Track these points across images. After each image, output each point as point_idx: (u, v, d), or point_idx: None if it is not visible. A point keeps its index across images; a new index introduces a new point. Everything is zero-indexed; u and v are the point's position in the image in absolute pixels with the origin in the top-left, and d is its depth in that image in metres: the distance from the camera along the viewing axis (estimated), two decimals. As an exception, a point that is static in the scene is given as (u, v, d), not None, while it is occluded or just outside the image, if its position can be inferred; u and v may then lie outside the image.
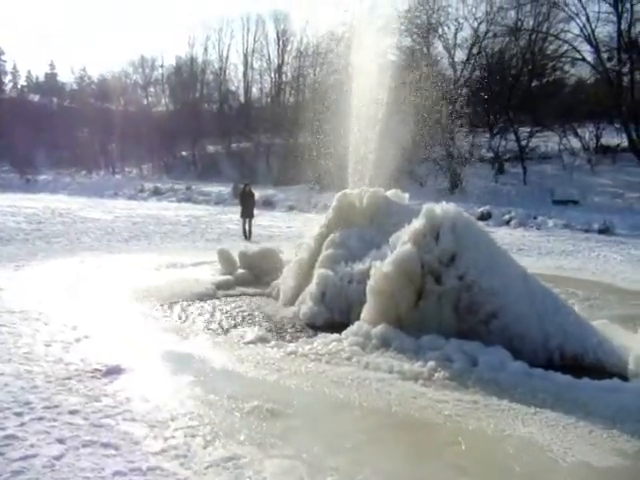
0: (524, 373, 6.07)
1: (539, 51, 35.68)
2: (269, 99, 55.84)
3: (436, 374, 6.06)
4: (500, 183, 37.19)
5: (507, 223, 26.37)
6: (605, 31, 31.62)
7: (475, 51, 35.93)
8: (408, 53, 42.04)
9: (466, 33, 37.86)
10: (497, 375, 5.99)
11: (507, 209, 29.07)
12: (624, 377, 6.31)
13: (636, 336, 7.61)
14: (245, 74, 56.50)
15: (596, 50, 30.95)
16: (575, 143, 36.53)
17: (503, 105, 36.18)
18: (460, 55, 37.24)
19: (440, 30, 37.36)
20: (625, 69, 30.98)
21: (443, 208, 7.81)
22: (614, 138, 35.95)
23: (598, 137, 36.19)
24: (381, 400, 5.48)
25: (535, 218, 26.84)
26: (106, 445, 4.26)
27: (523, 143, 36.13)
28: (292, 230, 21.95)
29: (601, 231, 24.18)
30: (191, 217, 25.23)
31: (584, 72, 34.97)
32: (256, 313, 9.00)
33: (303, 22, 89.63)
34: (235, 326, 8.13)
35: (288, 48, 53.76)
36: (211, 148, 54.33)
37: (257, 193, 31.10)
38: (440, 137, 38.41)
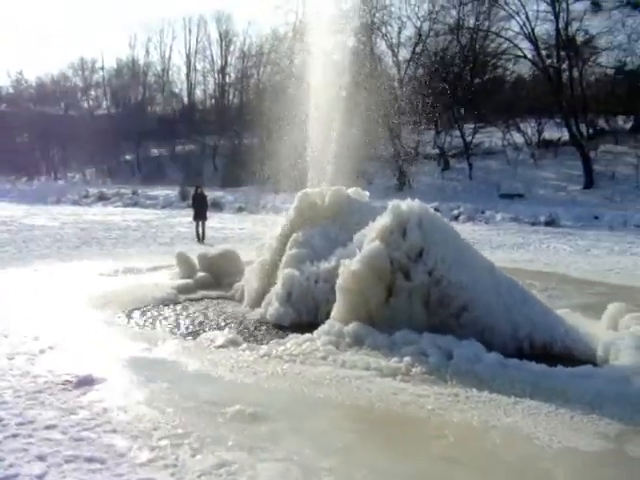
0: (499, 364, 6.14)
1: (480, 49, 36.46)
2: (213, 100, 55.28)
3: (413, 369, 6.07)
4: (446, 179, 37.87)
5: (456, 218, 26.77)
6: (544, 29, 32.61)
7: (418, 50, 36.46)
8: (353, 52, 42.33)
9: (409, 32, 38.39)
10: (474, 367, 6.05)
11: (455, 204, 29.59)
12: (593, 363, 6.48)
13: (599, 324, 7.86)
14: (188, 75, 55.86)
15: (536, 47, 31.82)
16: (518, 138, 37.50)
17: (447, 102, 36.81)
18: (404, 54, 37.76)
19: (384, 29, 37.73)
20: (564, 66, 31.95)
21: (408, 204, 7.86)
22: (555, 132, 37.09)
23: (540, 132, 37.26)
24: (362, 398, 5.45)
25: (483, 212, 27.42)
26: (90, 459, 4.09)
27: (468, 139, 36.85)
28: (244, 231, 21.80)
29: (547, 223, 24.91)
30: (140, 221, 24.70)
31: (525, 69, 35.98)
32: (222, 316, 8.85)
33: (246, 23, 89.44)
34: (203, 330, 7.96)
35: (231, 49, 53.39)
36: (155, 151, 53.30)
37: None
38: (387, 135, 38.89)
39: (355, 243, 8.52)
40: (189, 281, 10.70)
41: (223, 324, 8.37)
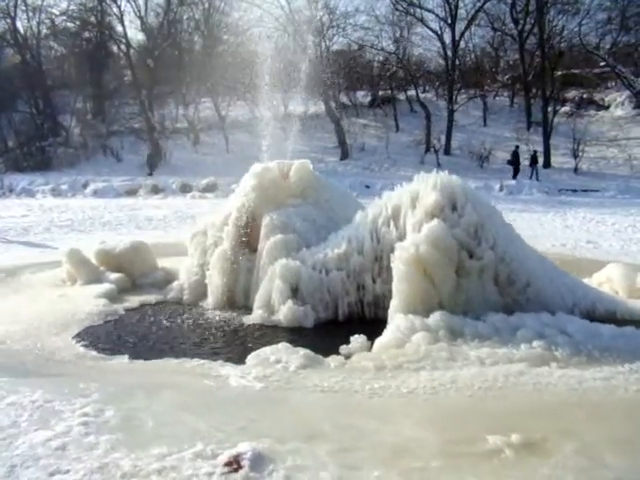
0: (622, 335, 6.04)
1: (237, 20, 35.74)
2: None
3: (556, 354, 5.63)
4: (201, 154, 36.72)
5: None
6: (297, 5, 33.27)
7: (170, 18, 34.30)
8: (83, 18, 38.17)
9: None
10: (605, 342, 5.85)
11: (234, 179, 28.81)
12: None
13: (594, 283, 8.34)
14: None
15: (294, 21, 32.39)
16: (266, 112, 37.95)
17: (195, 74, 35.46)
18: (155, 22, 35.13)
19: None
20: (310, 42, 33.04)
21: (446, 178, 7.26)
22: (299, 106, 38.52)
23: (285, 106, 38.23)
24: (561, 394, 4.81)
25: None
26: None
27: (223, 113, 36.20)
28: (31, 219, 18.30)
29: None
30: None
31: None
32: (214, 327, 7.14)
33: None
34: (228, 350, 6.35)
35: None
36: None
37: None
38: (138, 108, 36.10)
39: (359, 225, 7.68)
40: (111, 286, 8.44)
41: (234, 338, 6.80)
